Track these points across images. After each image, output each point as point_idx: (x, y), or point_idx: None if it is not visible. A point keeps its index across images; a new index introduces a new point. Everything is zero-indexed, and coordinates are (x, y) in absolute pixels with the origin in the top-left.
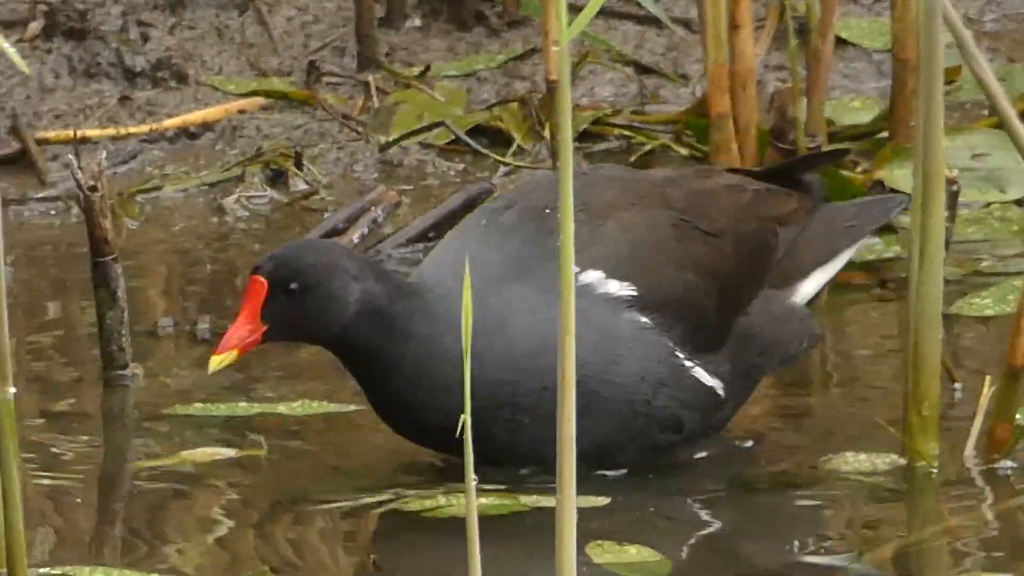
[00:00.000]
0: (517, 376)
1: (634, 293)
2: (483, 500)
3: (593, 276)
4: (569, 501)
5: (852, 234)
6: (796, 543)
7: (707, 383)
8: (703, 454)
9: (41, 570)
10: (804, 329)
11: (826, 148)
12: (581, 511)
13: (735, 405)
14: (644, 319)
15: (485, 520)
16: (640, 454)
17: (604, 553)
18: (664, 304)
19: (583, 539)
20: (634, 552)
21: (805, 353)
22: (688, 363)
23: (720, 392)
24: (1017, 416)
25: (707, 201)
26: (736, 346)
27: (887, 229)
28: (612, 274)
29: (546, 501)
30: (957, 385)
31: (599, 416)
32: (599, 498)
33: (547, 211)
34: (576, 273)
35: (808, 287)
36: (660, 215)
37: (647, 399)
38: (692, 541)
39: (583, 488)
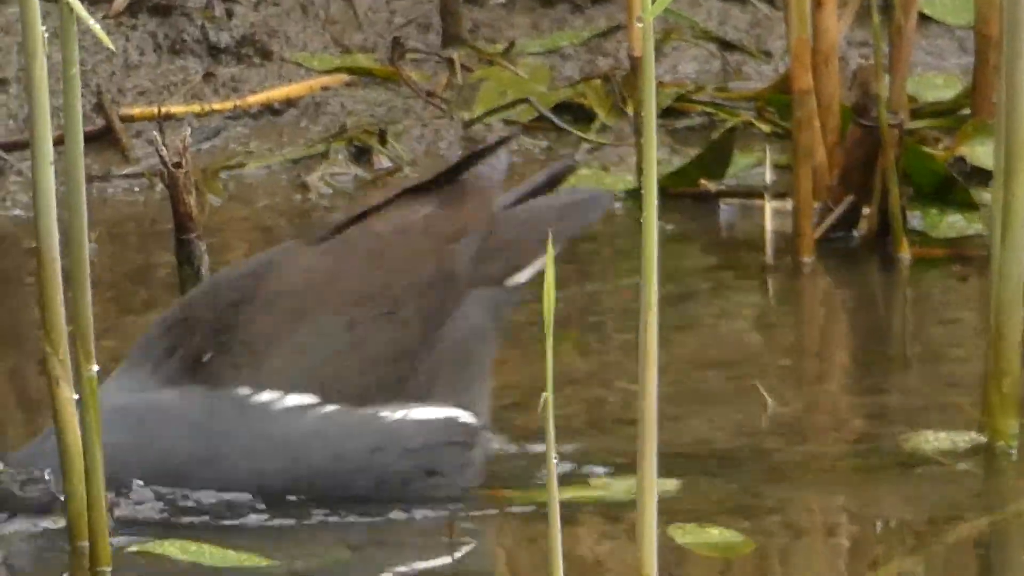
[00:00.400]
0: None
1: (317, 400)
2: (567, 491)
3: (268, 396)
4: (649, 482)
5: (557, 236)
6: (878, 523)
7: (440, 416)
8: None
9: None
10: (514, 300)
11: (909, 125)
12: (662, 493)
13: (485, 402)
14: (333, 406)
15: (567, 507)
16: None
17: (686, 535)
18: (355, 401)
19: (665, 521)
20: (716, 533)
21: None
22: (400, 413)
23: (468, 419)
24: None
25: (380, 272)
26: (454, 362)
27: (969, 206)
28: (291, 391)
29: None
30: None
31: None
32: (672, 480)
33: (205, 359)
34: (247, 395)
35: (521, 277)
36: (336, 322)
37: (378, 474)
38: (773, 521)
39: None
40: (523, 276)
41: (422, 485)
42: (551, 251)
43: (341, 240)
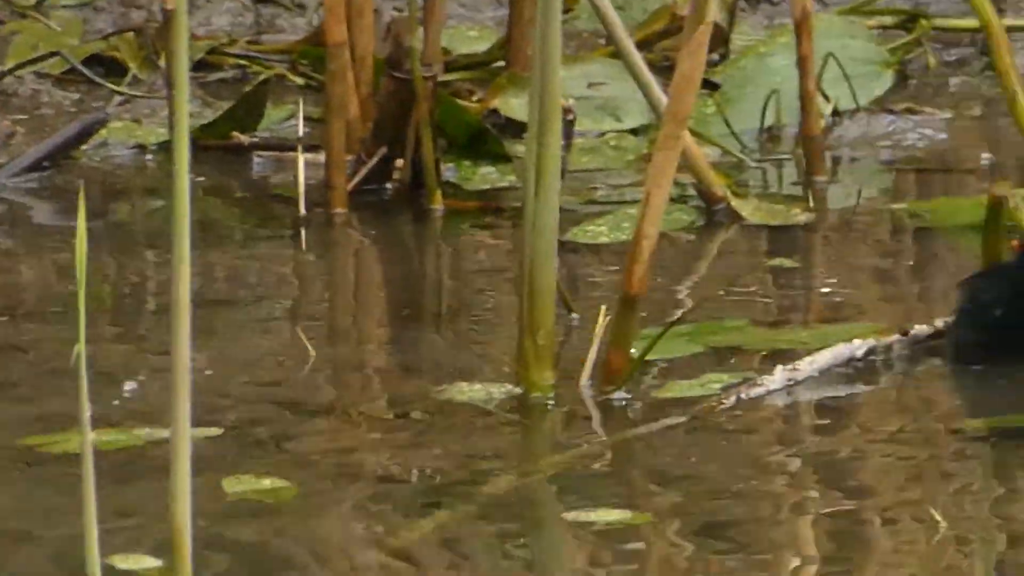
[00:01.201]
0: None
1: None
2: (98, 436)
3: None
4: (182, 433)
5: None
6: (413, 473)
7: None
8: None
9: None
10: None
11: (443, 77)
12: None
13: None
14: None
15: (103, 456)
16: None
17: (239, 484)
18: None
19: (212, 471)
20: (268, 484)
21: None
22: None
23: None
24: (632, 347)
25: None
26: None
27: (502, 158)
28: None
29: (160, 434)
30: (575, 315)
31: None
32: (212, 429)
33: None
34: None
35: None
36: None
37: None
38: (315, 470)
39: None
40: None
41: None
42: (83, 209)
43: None
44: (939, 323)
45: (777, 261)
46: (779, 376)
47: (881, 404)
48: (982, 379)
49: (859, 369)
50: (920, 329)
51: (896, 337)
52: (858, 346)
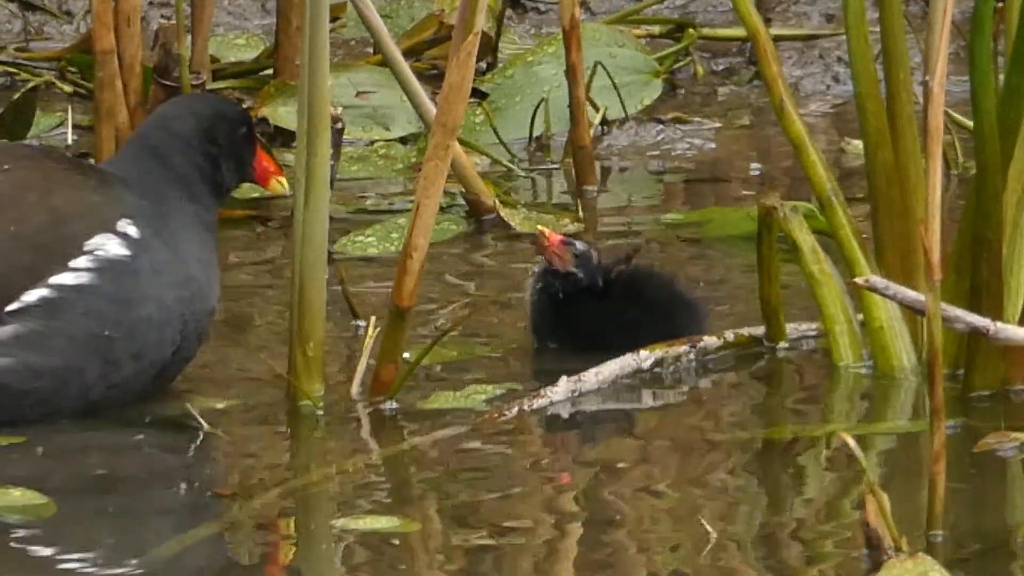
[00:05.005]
0: None
1: None
2: None
3: None
4: None
5: None
6: (183, 485)
7: None
8: None
9: None
10: None
11: (211, 85)
12: None
13: None
14: None
15: None
16: None
17: None
18: None
19: None
20: (18, 495)
21: None
22: None
23: None
24: (405, 356)
25: None
26: None
27: None
28: None
29: None
30: (361, 323)
31: None
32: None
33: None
34: None
35: None
36: None
37: None
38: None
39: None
40: None
41: None
42: None
43: None
44: (728, 335)
45: None
46: (563, 387)
47: (663, 414)
48: (762, 393)
49: (645, 381)
50: (709, 341)
51: (685, 348)
52: (645, 357)
